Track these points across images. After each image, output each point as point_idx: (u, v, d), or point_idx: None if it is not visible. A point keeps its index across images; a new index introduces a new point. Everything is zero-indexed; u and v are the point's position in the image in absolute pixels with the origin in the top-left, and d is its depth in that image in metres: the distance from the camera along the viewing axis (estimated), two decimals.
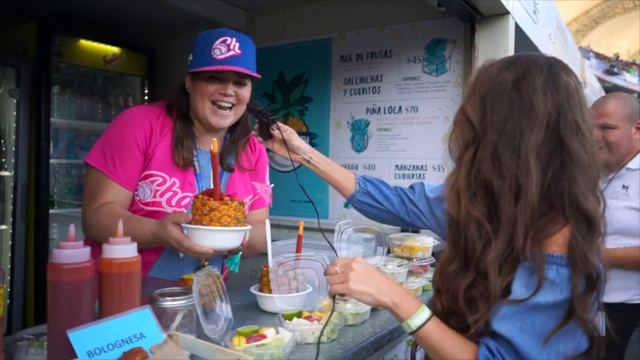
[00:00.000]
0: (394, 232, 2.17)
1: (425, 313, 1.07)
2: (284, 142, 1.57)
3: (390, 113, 3.05)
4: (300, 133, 3.36)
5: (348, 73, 3.20)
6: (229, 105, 1.62)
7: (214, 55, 1.56)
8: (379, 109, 3.09)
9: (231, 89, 1.60)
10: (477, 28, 2.66)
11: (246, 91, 1.66)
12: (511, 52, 2.62)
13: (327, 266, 1.18)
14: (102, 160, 1.58)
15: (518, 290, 0.97)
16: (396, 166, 3.02)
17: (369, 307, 1.49)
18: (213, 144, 1.37)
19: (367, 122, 3.12)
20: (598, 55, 23.26)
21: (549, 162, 1.00)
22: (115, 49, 3.69)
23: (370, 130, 3.11)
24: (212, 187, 1.42)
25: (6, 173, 3.27)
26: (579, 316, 0.95)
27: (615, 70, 22.67)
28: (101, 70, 3.70)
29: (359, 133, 3.15)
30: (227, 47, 1.57)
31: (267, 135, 1.57)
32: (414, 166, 2.96)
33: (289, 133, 1.58)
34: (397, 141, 3.03)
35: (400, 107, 3.01)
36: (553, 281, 0.96)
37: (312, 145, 3.30)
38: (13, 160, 3.24)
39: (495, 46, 2.60)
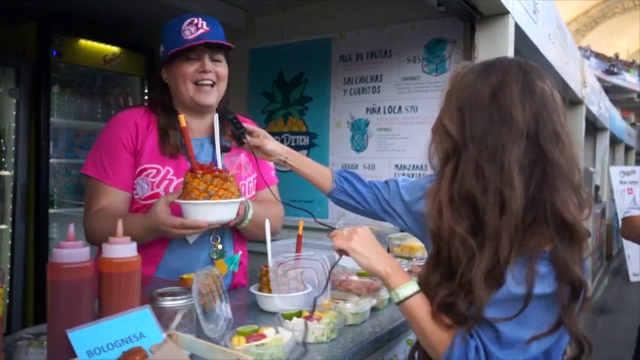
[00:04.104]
0: (394, 232, 2.17)
1: (413, 286, 1.12)
2: (257, 148, 1.59)
3: (389, 113, 3.05)
4: (299, 133, 3.38)
5: (347, 73, 3.19)
6: (210, 82, 1.65)
7: (185, 36, 1.61)
8: (379, 108, 3.09)
9: (208, 66, 1.63)
10: (477, 27, 2.65)
11: (223, 69, 1.69)
12: (511, 52, 2.62)
13: (336, 230, 1.27)
14: (94, 168, 1.63)
15: (510, 281, 0.98)
16: (396, 165, 3.02)
17: (369, 307, 1.49)
18: (180, 118, 1.47)
19: (367, 122, 3.12)
20: (598, 55, 23.24)
21: (532, 173, 1.01)
22: (115, 49, 3.69)
23: (370, 129, 3.11)
24: (203, 163, 1.51)
25: (6, 173, 3.27)
26: (568, 327, 0.98)
27: (615, 70, 22.66)
28: (101, 69, 3.70)
29: (359, 132, 3.15)
30: (195, 27, 1.62)
31: (240, 141, 1.60)
32: (413, 166, 2.96)
33: (261, 137, 1.59)
34: (397, 141, 3.02)
35: (400, 107, 3.01)
36: (543, 275, 0.98)
37: (312, 144, 3.31)
38: (12, 160, 3.24)
39: (495, 46, 2.60)
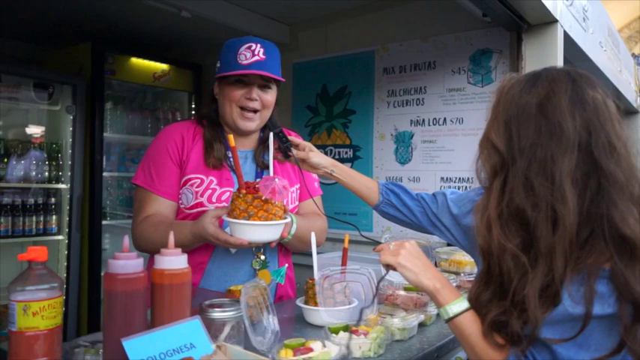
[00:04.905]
0: (441, 246, 2.13)
1: (464, 303, 1.09)
2: (303, 161, 1.61)
3: (434, 125, 3.01)
4: (343, 146, 3.38)
5: (391, 85, 3.18)
6: (254, 109, 1.68)
7: (240, 61, 1.63)
8: (423, 120, 3.06)
9: (255, 93, 1.66)
10: (524, 37, 2.59)
11: (270, 96, 1.71)
12: (560, 61, 2.55)
13: (382, 244, 1.26)
14: (142, 177, 1.70)
15: (567, 300, 0.94)
16: (442, 178, 2.97)
17: (416, 323, 1.47)
18: (230, 138, 1.49)
19: (411, 134, 3.10)
20: None
21: (586, 186, 0.96)
22: (164, 66, 3.82)
23: (414, 142, 3.08)
24: (249, 181, 1.52)
25: (63, 186, 3.42)
26: (631, 350, 0.92)
27: None
28: (151, 86, 3.83)
29: (403, 145, 3.13)
30: (252, 53, 1.64)
31: (286, 154, 1.62)
32: (459, 179, 2.91)
33: (307, 150, 1.60)
34: (442, 153, 2.98)
35: (445, 119, 2.97)
36: (602, 294, 0.93)
37: (356, 157, 3.31)
38: (69, 174, 3.39)
39: (543, 56, 2.54)
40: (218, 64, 1.73)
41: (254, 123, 1.70)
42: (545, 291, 0.96)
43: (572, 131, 0.97)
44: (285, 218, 1.54)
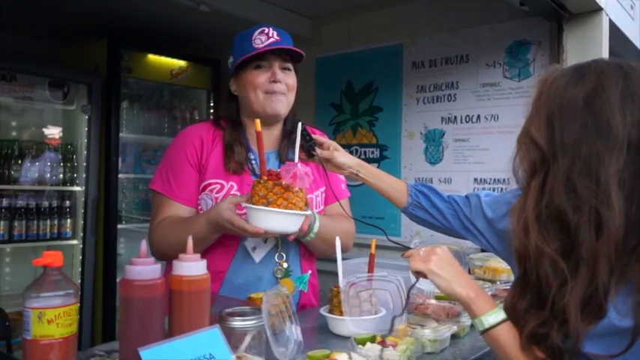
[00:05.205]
0: (475, 252, 2.10)
1: (501, 313, 1.07)
2: (328, 161, 1.61)
3: (467, 122, 2.98)
4: (369, 145, 3.37)
5: (420, 81, 3.16)
6: (281, 91, 1.70)
7: (255, 45, 1.67)
8: (455, 118, 3.03)
9: (279, 75, 1.69)
10: (565, 27, 2.55)
11: (292, 79, 1.74)
12: (605, 53, 2.49)
13: (411, 250, 1.25)
14: (160, 182, 1.72)
15: (612, 312, 0.92)
16: (475, 179, 2.94)
17: (448, 334, 1.45)
18: (256, 122, 1.51)
19: (442, 132, 3.07)
20: None
21: (634, 189, 0.94)
22: (182, 63, 3.87)
23: (446, 140, 3.06)
24: (272, 169, 1.54)
25: (77, 188, 3.50)
26: None
27: None
28: (168, 84, 3.89)
29: (433, 144, 3.10)
30: (266, 36, 1.68)
31: (309, 153, 1.61)
32: (494, 180, 2.87)
33: (332, 149, 1.60)
34: (476, 152, 2.95)
35: (478, 116, 2.94)
36: None
37: (383, 157, 3.29)
38: (84, 176, 3.46)
39: (586, 47, 2.49)
40: (231, 59, 1.76)
41: (283, 105, 1.72)
42: (587, 301, 0.94)
43: (621, 129, 0.95)
44: (306, 211, 1.55)
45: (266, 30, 1.69)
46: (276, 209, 1.45)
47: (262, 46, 1.66)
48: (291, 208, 1.47)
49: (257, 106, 1.71)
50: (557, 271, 0.97)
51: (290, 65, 1.74)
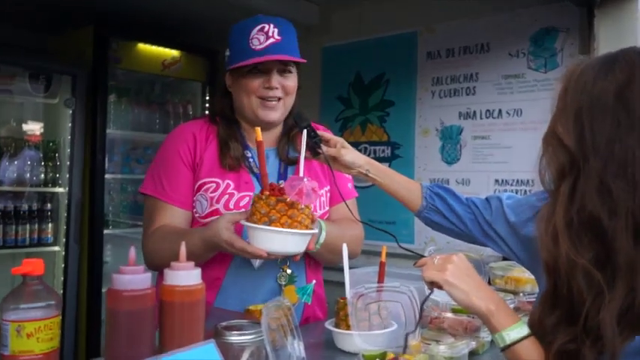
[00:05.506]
0: (496, 260, 2.10)
1: (524, 328, 1.07)
2: (334, 159, 1.60)
3: (487, 118, 2.98)
4: (380, 143, 3.37)
5: (436, 72, 3.17)
6: (276, 98, 1.70)
7: (253, 46, 1.65)
8: (474, 113, 3.03)
9: (275, 81, 1.68)
10: (597, 13, 2.55)
11: (291, 82, 1.73)
12: None
13: (424, 258, 1.24)
14: (152, 185, 1.72)
15: None
16: (496, 181, 2.93)
17: (466, 351, 1.45)
18: (257, 131, 1.50)
19: (460, 129, 3.07)
20: None
21: None
22: (175, 53, 3.88)
23: (464, 138, 3.06)
24: (275, 183, 1.54)
25: (60, 190, 3.50)
26: None
27: None
28: (160, 75, 3.90)
29: (450, 141, 3.10)
30: (265, 35, 1.65)
31: (314, 151, 1.61)
32: (517, 181, 2.86)
33: (339, 147, 1.60)
34: (497, 151, 2.95)
35: (500, 111, 2.94)
36: None
37: (395, 156, 3.29)
38: (67, 176, 3.47)
39: (620, 35, 2.48)
40: (228, 53, 1.76)
41: (277, 112, 1.72)
42: (624, 315, 0.93)
43: None
44: (313, 229, 1.54)
45: (266, 27, 1.66)
46: (280, 229, 1.44)
47: (260, 48, 1.64)
48: (296, 227, 1.46)
49: (249, 112, 1.72)
50: (591, 283, 0.97)
51: (290, 68, 1.73)
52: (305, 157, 1.63)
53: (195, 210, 1.71)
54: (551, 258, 1.02)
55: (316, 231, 1.57)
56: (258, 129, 1.52)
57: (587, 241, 0.98)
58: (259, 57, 1.63)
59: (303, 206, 1.47)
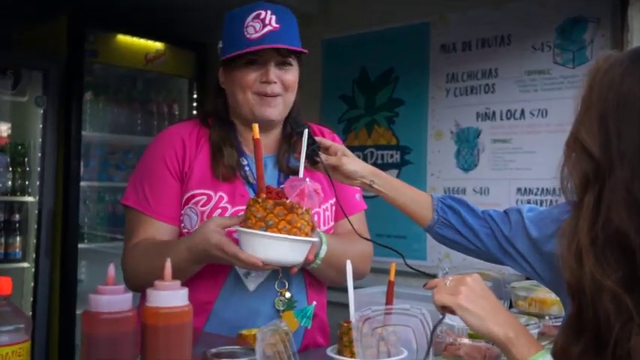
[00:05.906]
0: (518, 280, 2.10)
1: (547, 357, 1.06)
2: (334, 169, 1.59)
3: (508, 119, 2.99)
4: (388, 147, 3.38)
5: (451, 68, 3.18)
6: (275, 94, 1.69)
7: (248, 35, 1.64)
8: (494, 113, 3.04)
9: (273, 74, 1.67)
10: (631, 1, 2.56)
11: (291, 76, 1.72)
12: None
13: (435, 280, 1.23)
14: (134, 196, 1.71)
15: None
16: (519, 189, 2.94)
17: None
18: (254, 128, 1.49)
19: (478, 131, 3.08)
20: None
21: None
22: (158, 45, 3.90)
23: (482, 141, 3.06)
24: (272, 186, 1.53)
25: (29, 199, 3.51)
26: None
27: None
28: (142, 71, 3.93)
29: (467, 145, 3.11)
30: (262, 23, 1.65)
31: (312, 159, 1.60)
32: (542, 190, 2.87)
33: (339, 155, 1.59)
34: (519, 156, 2.95)
35: (523, 111, 2.95)
36: None
37: (405, 162, 3.30)
38: (37, 183, 3.47)
39: None
40: (220, 44, 1.75)
41: (276, 109, 1.71)
42: None
43: None
44: (313, 237, 1.54)
45: (262, 14, 1.66)
46: (278, 235, 1.43)
47: (256, 37, 1.64)
48: (295, 234, 1.45)
49: (246, 109, 1.71)
50: (620, 307, 0.97)
51: (291, 60, 1.72)
52: (305, 167, 1.64)
53: (183, 225, 1.70)
54: (574, 279, 1.03)
55: (317, 239, 1.57)
56: (256, 125, 1.50)
57: (614, 260, 0.98)
58: (255, 46, 1.63)
59: (303, 211, 1.47)
